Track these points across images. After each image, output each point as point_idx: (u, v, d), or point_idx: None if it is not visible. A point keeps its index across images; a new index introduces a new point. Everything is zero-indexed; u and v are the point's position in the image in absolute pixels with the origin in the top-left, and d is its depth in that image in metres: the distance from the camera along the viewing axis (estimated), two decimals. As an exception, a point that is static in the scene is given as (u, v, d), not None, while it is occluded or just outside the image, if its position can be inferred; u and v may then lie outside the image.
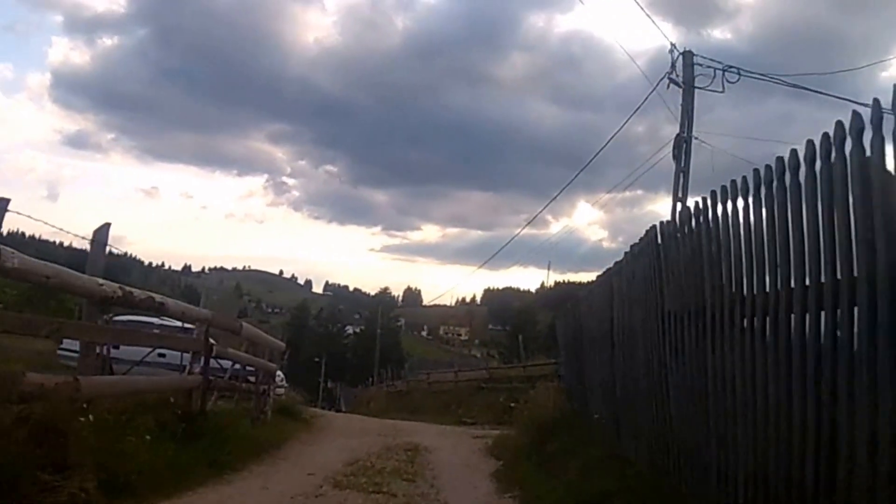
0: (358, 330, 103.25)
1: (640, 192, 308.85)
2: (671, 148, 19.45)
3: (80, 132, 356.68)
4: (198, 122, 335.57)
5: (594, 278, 12.09)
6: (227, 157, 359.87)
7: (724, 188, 5.02)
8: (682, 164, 19.19)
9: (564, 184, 31.30)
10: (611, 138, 23.27)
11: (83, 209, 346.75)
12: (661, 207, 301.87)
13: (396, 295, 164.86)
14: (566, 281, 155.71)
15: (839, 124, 3.57)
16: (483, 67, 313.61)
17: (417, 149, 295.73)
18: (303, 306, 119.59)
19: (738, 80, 18.79)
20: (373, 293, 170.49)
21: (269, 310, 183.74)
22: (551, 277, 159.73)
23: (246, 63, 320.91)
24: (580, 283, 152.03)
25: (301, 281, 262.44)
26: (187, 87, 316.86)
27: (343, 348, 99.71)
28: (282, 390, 17.97)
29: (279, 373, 18.84)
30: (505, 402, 22.96)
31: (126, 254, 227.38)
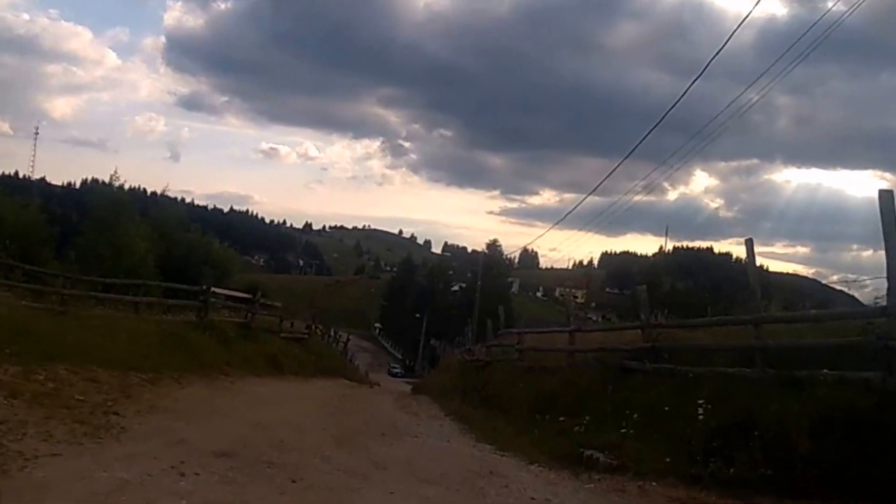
0: (464, 286, 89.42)
1: (755, 160, 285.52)
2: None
3: (193, 94, 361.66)
4: (310, 85, 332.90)
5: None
6: (341, 121, 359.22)
7: None
8: None
9: (681, 152, 23.51)
10: (671, 108, 17.50)
11: (205, 169, 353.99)
12: (777, 177, 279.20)
13: (512, 256, 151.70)
14: (686, 246, 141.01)
15: None
16: (593, 34, 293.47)
17: (530, 114, 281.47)
18: (408, 261, 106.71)
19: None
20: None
21: (387, 268, 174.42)
22: (668, 245, 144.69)
23: (356, 27, 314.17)
24: (702, 249, 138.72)
25: (420, 241, 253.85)
26: (298, 51, 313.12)
27: (448, 305, 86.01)
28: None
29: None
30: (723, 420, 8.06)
31: (247, 211, 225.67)
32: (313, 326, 25.73)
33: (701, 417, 8.22)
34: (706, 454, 7.73)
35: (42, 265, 18.74)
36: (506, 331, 18.95)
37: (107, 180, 26.27)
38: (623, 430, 8.93)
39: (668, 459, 7.93)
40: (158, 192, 30.19)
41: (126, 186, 29.78)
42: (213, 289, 16.87)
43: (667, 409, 8.92)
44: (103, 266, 19.89)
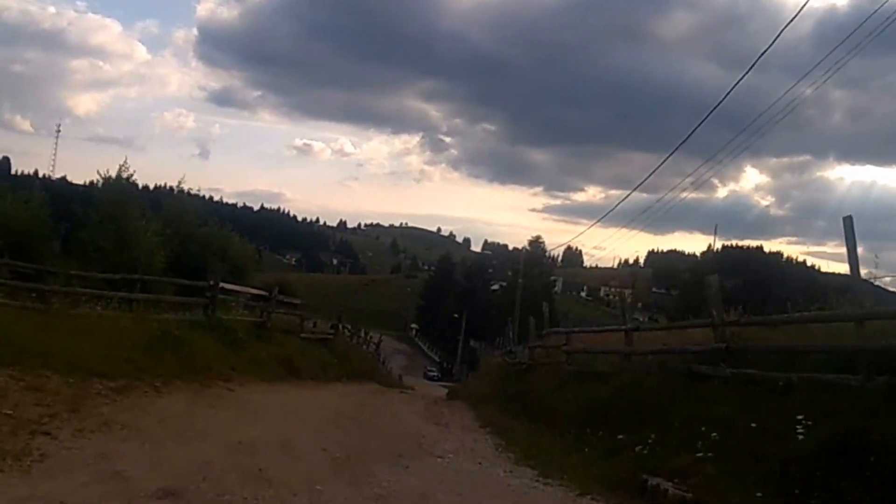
0: (505, 284, 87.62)
1: (808, 157, 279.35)
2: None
3: (225, 89, 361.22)
4: (347, 79, 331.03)
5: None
6: (379, 115, 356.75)
7: None
8: None
9: (731, 147, 22.89)
10: (725, 96, 16.48)
11: (236, 166, 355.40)
12: (830, 174, 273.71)
13: (556, 254, 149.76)
14: (735, 245, 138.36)
15: None
16: (644, 25, 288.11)
17: (576, 108, 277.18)
18: (446, 259, 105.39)
19: None
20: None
21: (425, 267, 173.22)
22: (717, 243, 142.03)
23: (396, 18, 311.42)
24: (752, 248, 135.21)
25: (459, 239, 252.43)
26: (336, 43, 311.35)
27: (488, 304, 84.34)
28: None
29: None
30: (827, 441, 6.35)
31: (279, 209, 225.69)
32: (340, 326, 24.42)
33: (801, 437, 6.60)
34: (807, 486, 6.19)
35: (43, 262, 17.72)
36: (551, 330, 17.30)
37: (124, 175, 25.23)
38: (699, 454, 7.31)
39: (758, 493, 6.34)
40: (183, 187, 28.90)
41: (151, 185, 28.75)
42: (221, 284, 15.58)
43: (753, 425, 7.29)
44: (105, 261, 18.79)
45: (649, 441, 8.10)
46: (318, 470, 6.25)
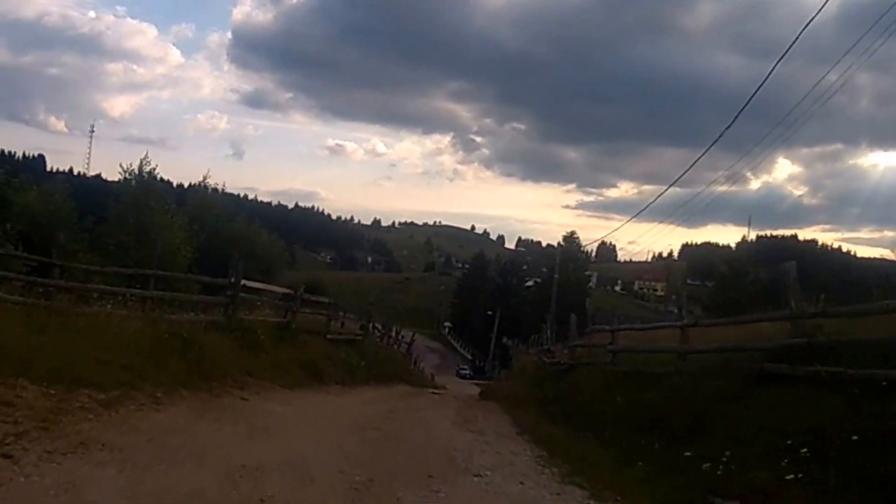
0: (539, 280, 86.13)
1: (840, 145, 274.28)
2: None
3: (257, 91, 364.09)
4: (377, 80, 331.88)
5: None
6: (410, 116, 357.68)
7: None
8: None
9: (762, 139, 24.79)
10: (758, 89, 16.81)
11: (270, 166, 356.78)
12: (863, 161, 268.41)
13: (590, 250, 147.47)
14: (769, 234, 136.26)
15: None
16: (668, 17, 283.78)
17: (606, 104, 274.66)
18: (480, 256, 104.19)
19: None
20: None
21: (459, 264, 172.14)
22: (751, 234, 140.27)
23: (426, 20, 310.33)
24: (787, 237, 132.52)
25: (493, 237, 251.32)
26: (367, 45, 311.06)
27: (522, 301, 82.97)
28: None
29: None
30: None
31: (313, 208, 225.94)
32: (370, 326, 23.40)
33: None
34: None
35: (60, 255, 17.03)
36: (596, 328, 16.04)
37: (146, 170, 24.45)
38: (788, 475, 6.08)
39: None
40: (208, 182, 28.00)
41: (186, 183, 28.19)
42: (244, 282, 14.61)
43: (854, 438, 6.06)
44: (126, 256, 18.06)
45: (724, 458, 6.88)
46: (333, 498, 5.19)
